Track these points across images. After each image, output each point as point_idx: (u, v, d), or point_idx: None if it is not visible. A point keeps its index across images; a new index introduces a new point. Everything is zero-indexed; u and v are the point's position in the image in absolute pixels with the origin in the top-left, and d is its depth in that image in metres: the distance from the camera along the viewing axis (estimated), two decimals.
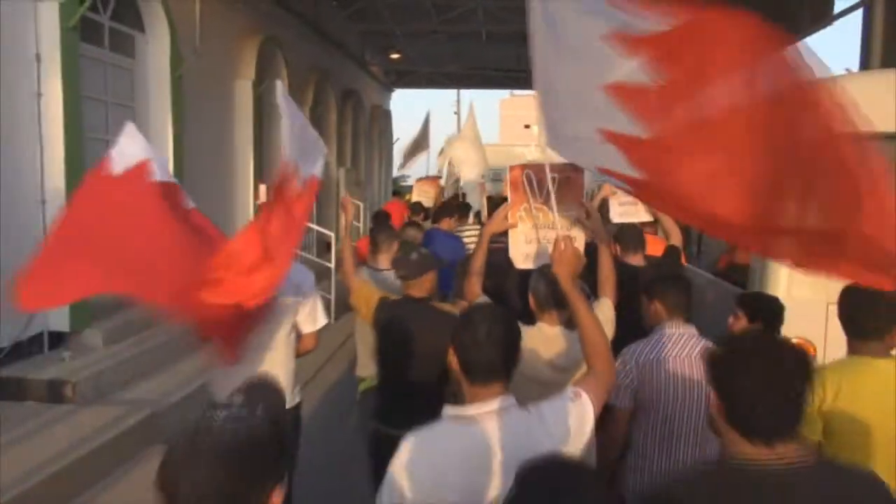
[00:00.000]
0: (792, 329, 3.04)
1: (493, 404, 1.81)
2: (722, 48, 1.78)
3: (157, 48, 6.99)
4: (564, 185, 2.98)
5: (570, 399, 1.89)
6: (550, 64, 2.28)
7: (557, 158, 2.80)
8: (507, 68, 20.15)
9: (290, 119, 3.03)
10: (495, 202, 7.05)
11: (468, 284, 3.08)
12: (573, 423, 1.84)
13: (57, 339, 5.62)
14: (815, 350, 3.79)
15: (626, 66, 1.93)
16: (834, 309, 2.42)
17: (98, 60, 6.20)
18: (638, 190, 2.34)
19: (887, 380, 2.20)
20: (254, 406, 1.27)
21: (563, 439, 1.80)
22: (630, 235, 4.17)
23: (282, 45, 10.48)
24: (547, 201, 2.89)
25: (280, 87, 3.77)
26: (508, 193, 3.25)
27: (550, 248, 2.42)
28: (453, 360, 1.88)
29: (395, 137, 20.77)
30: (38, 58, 5.31)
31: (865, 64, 9.60)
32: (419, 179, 11.06)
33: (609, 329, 2.64)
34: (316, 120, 12.59)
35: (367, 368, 3.89)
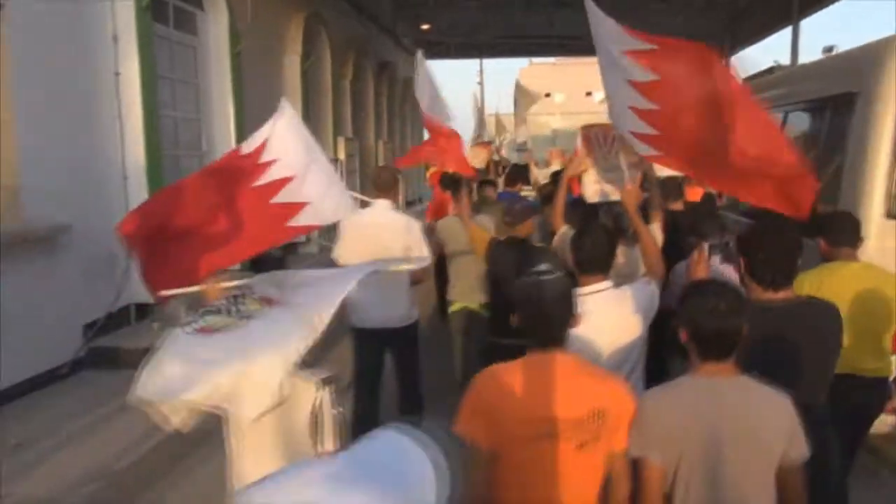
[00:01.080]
0: None
1: (601, 286, 2.79)
2: (686, 60, 3.08)
3: (216, 25, 7.11)
4: (622, 140, 3.88)
5: (645, 283, 2.96)
6: (603, 62, 3.49)
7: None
8: (541, 35, 19.97)
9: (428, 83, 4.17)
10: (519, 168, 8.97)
11: (554, 218, 4.19)
12: (648, 297, 2.85)
13: (143, 312, 5.85)
14: None
15: (637, 70, 3.19)
16: None
17: (165, 38, 6.33)
18: (651, 144, 3.37)
19: (858, 277, 3.03)
20: (559, 270, 2.22)
21: (644, 307, 2.79)
22: (670, 186, 4.69)
23: (325, 21, 10.54)
24: (610, 153, 4.01)
25: (420, 55, 4.58)
26: (580, 148, 4.34)
27: (613, 189, 3.86)
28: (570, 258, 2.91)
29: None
30: (115, 38, 5.45)
31: None
32: (474, 145, 11.30)
33: (659, 238, 3.55)
34: (356, 94, 12.68)
35: (461, 295, 4.75)
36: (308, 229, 3.61)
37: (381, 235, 4.18)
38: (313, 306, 2.18)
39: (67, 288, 4.97)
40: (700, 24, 17.40)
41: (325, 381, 2.09)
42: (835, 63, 4.68)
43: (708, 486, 1.96)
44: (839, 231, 3.17)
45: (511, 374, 2.10)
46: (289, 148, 3.44)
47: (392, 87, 16.02)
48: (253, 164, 3.36)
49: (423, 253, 4.18)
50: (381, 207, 4.39)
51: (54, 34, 4.90)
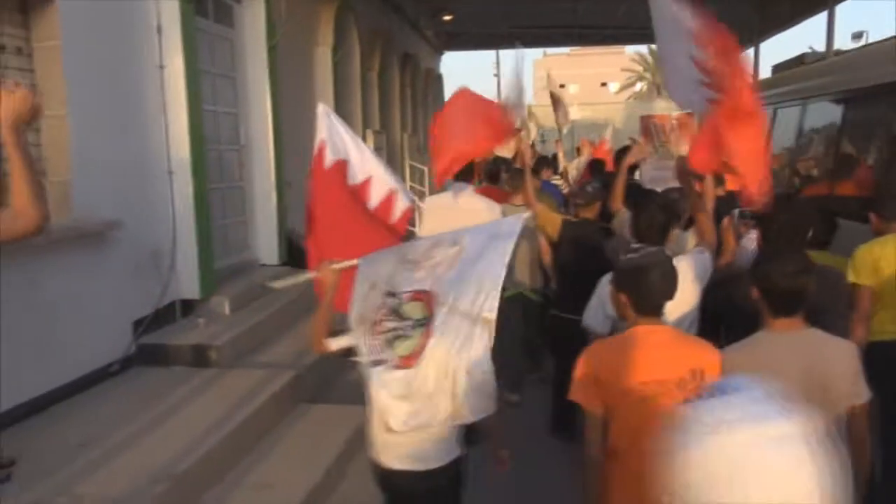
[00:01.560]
0: None
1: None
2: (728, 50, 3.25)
3: (253, 17, 7.01)
4: (681, 129, 4.61)
5: (699, 252, 3.32)
6: (669, 45, 3.62)
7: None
8: (563, 24, 19.74)
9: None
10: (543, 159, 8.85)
11: (614, 202, 4.61)
12: (703, 265, 3.22)
13: (187, 308, 5.80)
14: None
15: (697, 51, 3.33)
16: None
17: (205, 31, 6.25)
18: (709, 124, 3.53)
19: None
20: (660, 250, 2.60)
21: (699, 274, 3.16)
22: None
23: (354, 11, 10.44)
24: (667, 141, 4.58)
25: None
26: (641, 136, 4.91)
27: (669, 175, 4.48)
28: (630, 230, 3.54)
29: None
30: (158, 30, 5.38)
31: None
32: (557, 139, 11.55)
33: (710, 205, 3.90)
34: (383, 86, 12.58)
35: (514, 283, 4.96)
36: (406, 216, 3.80)
37: (463, 217, 4.13)
38: (476, 298, 2.38)
39: (117, 284, 4.92)
40: (729, 6, 17.11)
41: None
42: None
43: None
44: (890, 207, 3.50)
45: (620, 345, 2.40)
46: (343, 147, 3.76)
47: (415, 80, 15.91)
48: (325, 168, 3.71)
49: None
50: (462, 193, 4.82)
51: (100, 27, 4.83)
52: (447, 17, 17.94)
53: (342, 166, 3.72)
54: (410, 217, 4.52)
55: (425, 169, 17.11)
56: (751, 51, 16.86)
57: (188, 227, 5.63)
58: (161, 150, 5.49)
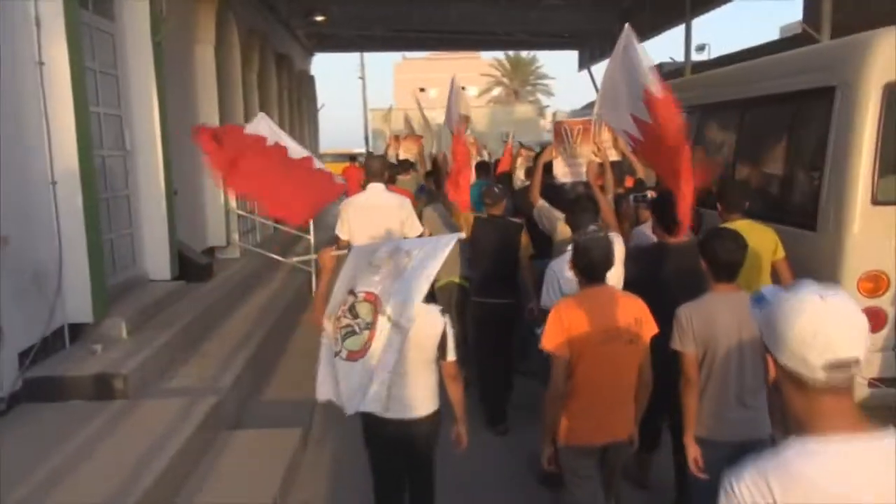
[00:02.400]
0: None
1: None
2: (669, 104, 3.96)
3: (134, 9, 6.40)
4: (584, 133, 5.17)
5: (615, 237, 4.03)
6: (620, 79, 4.40)
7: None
8: (437, 29, 19.90)
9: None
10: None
11: (533, 195, 5.21)
12: (620, 244, 4.03)
13: (76, 333, 5.18)
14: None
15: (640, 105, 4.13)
16: None
17: (85, 24, 5.60)
18: (635, 143, 4.57)
19: (744, 231, 3.34)
20: (601, 233, 3.38)
21: (620, 250, 3.83)
22: (617, 173, 5.51)
23: (234, 8, 9.88)
24: (574, 143, 5.18)
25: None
26: (553, 138, 5.40)
27: (580, 170, 5.20)
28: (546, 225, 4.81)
29: (320, 104, 20.12)
30: (37, 21, 4.75)
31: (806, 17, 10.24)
32: (404, 138, 12.01)
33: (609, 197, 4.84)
34: (262, 86, 12.03)
35: (444, 273, 5.39)
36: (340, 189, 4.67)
37: (379, 214, 5.03)
38: (403, 308, 2.78)
39: None
40: (593, 18, 18.09)
41: (442, 312, 3.12)
42: (804, 59, 4.93)
43: (723, 371, 2.98)
44: (731, 199, 4.21)
45: (579, 303, 3.06)
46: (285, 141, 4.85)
47: (291, 82, 15.35)
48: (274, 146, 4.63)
49: (415, 225, 5.24)
50: (376, 190, 5.27)
51: None
52: (320, 18, 17.51)
53: (282, 147, 4.70)
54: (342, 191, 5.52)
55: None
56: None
57: (77, 242, 5.02)
58: (41, 158, 4.85)
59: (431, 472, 3.26)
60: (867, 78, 4.04)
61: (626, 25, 4.33)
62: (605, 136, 5.30)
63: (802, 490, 1.28)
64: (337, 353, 2.91)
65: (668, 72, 17.30)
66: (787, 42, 12.07)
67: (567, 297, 3.22)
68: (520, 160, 9.76)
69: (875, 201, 4.05)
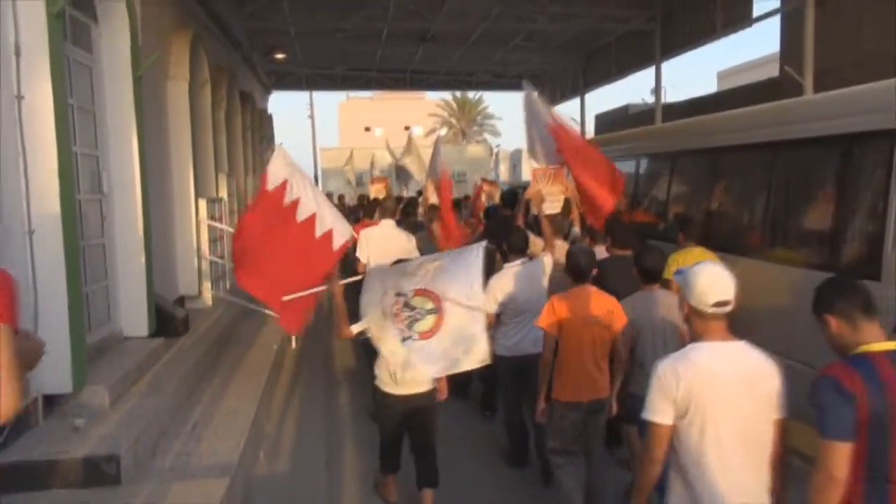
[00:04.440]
0: None
1: (520, 262, 5.04)
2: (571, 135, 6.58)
3: (113, 41, 5.84)
4: (555, 176, 6.37)
5: (546, 256, 5.11)
6: (535, 125, 6.45)
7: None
8: (398, 69, 19.73)
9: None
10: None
11: (518, 221, 6.22)
12: (548, 264, 5.04)
13: (50, 404, 4.49)
14: None
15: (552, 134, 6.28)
16: None
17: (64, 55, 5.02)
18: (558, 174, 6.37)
19: (697, 256, 4.95)
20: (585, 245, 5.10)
21: (546, 270, 4.99)
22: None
23: (205, 44, 9.36)
24: (549, 184, 6.30)
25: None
26: (532, 179, 6.49)
27: (555, 204, 6.28)
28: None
29: (278, 142, 19.54)
30: (17, 51, 4.17)
31: (783, 60, 10.43)
32: (370, 181, 14.32)
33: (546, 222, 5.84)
34: (229, 124, 11.46)
35: None
36: (343, 248, 4.51)
37: (393, 243, 6.09)
38: (467, 291, 3.81)
39: None
40: (557, 59, 18.25)
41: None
42: (852, 100, 4.79)
43: (644, 347, 4.20)
44: (690, 230, 5.60)
45: (567, 297, 4.13)
46: (301, 186, 4.37)
47: (253, 120, 14.79)
48: (283, 205, 4.29)
49: (417, 255, 5.82)
50: (388, 225, 6.58)
51: None
52: (280, 56, 17.10)
53: (295, 204, 4.35)
54: (348, 247, 5.17)
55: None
56: (577, 100, 18.09)
57: (56, 298, 4.37)
58: (18, 203, 4.23)
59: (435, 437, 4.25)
60: None
61: (524, 82, 6.38)
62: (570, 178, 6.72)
63: (693, 368, 2.45)
64: (407, 339, 3.78)
65: (639, 113, 17.60)
66: (764, 85, 12.32)
67: (559, 293, 4.25)
68: (484, 195, 10.85)
69: None
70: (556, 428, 4.23)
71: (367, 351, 5.24)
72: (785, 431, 2.46)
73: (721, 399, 2.41)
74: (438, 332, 3.72)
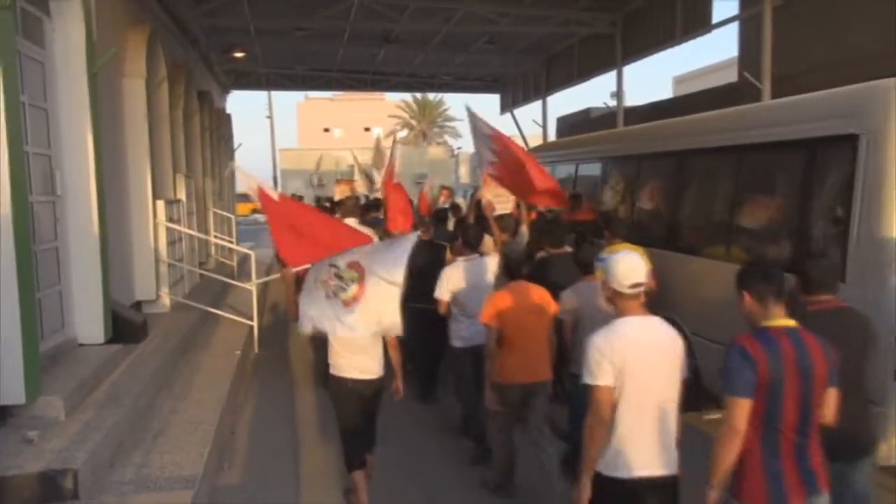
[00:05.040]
0: None
1: (471, 257, 5.62)
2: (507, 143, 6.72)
3: (67, 36, 5.60)
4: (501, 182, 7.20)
5: (490, 257, 5.66)
6: (480, 136, 6.89)
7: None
8: (360, 70, 19.55)
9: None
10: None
11: (468, 219, 7.75)
12: (496, 262, 5.46)
13: (1, 415, 4.27)
14: None
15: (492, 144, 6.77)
16: None
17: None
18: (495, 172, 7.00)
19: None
20: (516, 247, 6.08)
21: (494, 267, 5.45)
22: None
23: (162, 40, 9.09)
24: (499, 188, 7.24)
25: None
26: (485, 184, 7.60)
27: (506, 205, 7.55)
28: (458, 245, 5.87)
29: (236, 144, 19.15)
30: None
31: (742, 66, 10.63)
32: (336, 182, 15.58)
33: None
34: (187, 124, 11.16)
35: None
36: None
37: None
38: (390, 269, 4.26)
39: None
40: (519, 63, 18.32)
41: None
42: (815, 106, 4.87)
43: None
44: (615, 228, 6.13)
45: (509, 292, 4.59)
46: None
47: (211, 120, 14.43)
48: (276, 199, 4.89)
49: None
50: (351, 223, 6.63)
51: None
52: (239, 55, 16.75)
53: (283, 195, 5.22)
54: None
55: (232, 217, 15.59)
56: (539, 103, 18.20)
57: (6, 304, 4.16)
58: None
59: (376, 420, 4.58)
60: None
61: (467, 107, 7.05)
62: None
63: (623, 338, 2.89)
64: (330, 306, 4.30)
65: (601, 116, 17.78)
66: (723, 90, 12.56)
67: (500, 290, 4.71)
68: (442, 199, 11.89)
69: None
70: (497, 411, 4.66)
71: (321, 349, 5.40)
72: (686, 391, 2.98)
73: (644, 365, 2.85)
74: (358, 301, 4.19)
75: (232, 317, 8.60)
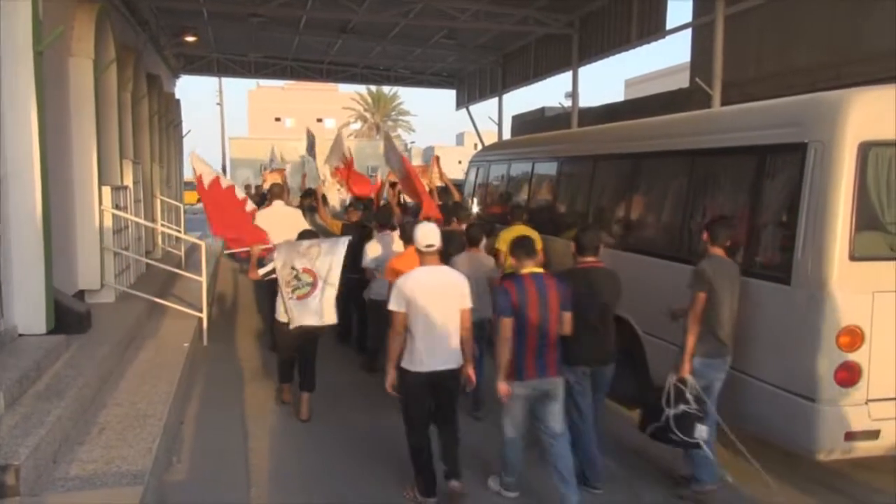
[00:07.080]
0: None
1: (384, 233, 7.36)
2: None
3: (11, 12, 5.35)
4: (423, 171, 11.48)
5: (394, 233, 7.22)
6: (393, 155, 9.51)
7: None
8: (319, 59, 19.27)
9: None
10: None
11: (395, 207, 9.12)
12: (396, 236, 7.01)
13: None
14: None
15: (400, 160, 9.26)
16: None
17: None
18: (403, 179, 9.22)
19: (519, 231, 6.77)
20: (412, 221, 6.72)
21: (394, 240, 7.05)
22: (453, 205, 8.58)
23: (112, 19, 8.77)
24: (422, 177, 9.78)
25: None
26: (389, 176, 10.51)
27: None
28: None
29: (185, 130, 18.66)
30: None
31: (693, 72, 10.92)
32: (270, 171, 17.13)
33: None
34: (135, 108, 10.82)
35: None
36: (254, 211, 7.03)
37: (286, 220, 7.34)
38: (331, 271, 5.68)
39: None
40: (476, 59, 18.36)
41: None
42: (767, 114, 5.03)
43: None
44: (516, 213, 7.70)
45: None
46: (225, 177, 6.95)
47: (160, 104, 14.01)
48: (223, 189, 6.68)
49: (305, 226, 7.18)
50: (279, 205, 7.95)
51: None
52: (191, 39, 16.31)
53: (231, 188, 6.88)
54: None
55: (180, 206, 15.17)
56: (495, 100, 18.29)
57: None
58: None
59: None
60: (843, 136, 4.14)
61: (385, 132, 10.99)
62: (436, 171, 10.90)
63: (414, 280, 4.31)
64: (290, 299, 5.66)
65: (556, 116, 17.98)
66: (675, 94, 12.85)
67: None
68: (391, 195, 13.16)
69: (852, 257, 4.12)
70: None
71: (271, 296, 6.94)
72: (467, 316, 4.39)
73: (426, 296, 4.25)
74: (307, 297, 5.62)
75: (180, 308, 8.38)
